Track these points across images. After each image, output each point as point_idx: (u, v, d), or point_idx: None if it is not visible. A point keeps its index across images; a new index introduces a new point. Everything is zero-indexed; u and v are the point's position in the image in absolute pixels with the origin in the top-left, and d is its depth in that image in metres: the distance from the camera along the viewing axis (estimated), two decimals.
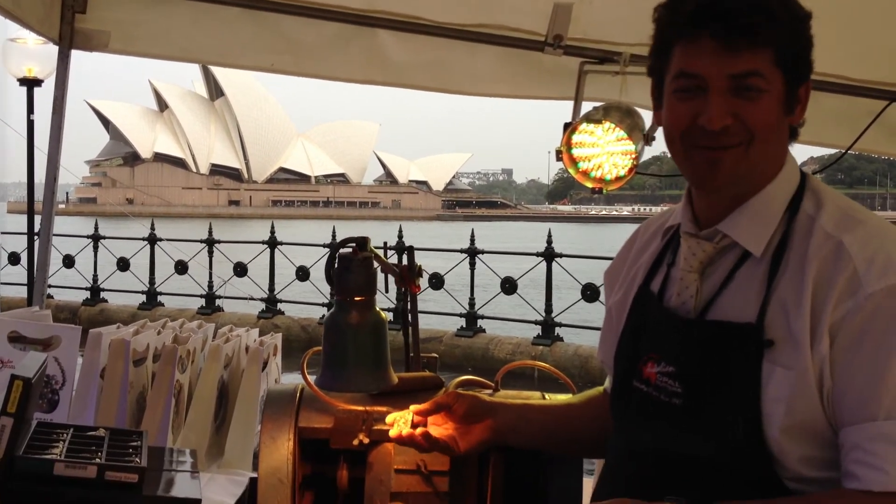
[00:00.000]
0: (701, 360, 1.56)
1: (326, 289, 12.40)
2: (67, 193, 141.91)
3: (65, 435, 1.98)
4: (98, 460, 1.86)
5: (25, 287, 10.50)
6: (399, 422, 1.84)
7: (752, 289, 1.54)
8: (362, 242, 1.90)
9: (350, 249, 1.90)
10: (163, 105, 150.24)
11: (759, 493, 1.47)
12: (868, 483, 1.39)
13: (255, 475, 2.08)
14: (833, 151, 3.89)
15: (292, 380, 2.16)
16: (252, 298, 13.36)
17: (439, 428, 1.84)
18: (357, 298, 1.88)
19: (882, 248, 1.47)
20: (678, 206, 1.74)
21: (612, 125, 3.14)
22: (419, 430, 1.80)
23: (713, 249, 1.61)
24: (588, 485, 2.16)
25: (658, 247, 1.77)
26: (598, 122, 3.16)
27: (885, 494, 1.38)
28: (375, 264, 1.94)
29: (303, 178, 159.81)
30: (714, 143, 1.53)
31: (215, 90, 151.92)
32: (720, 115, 1.51)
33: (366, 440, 1.96)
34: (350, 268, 1.88)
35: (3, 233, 8.63)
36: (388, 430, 1.87)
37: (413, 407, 1.87)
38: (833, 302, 1.44)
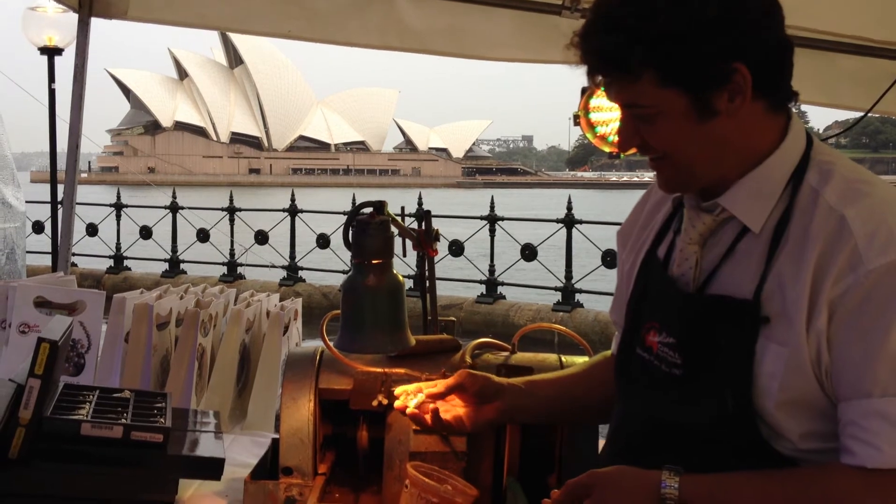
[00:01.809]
0: (699, 333, 1.55)
1: (347, 256, 12.23)
2: (90, 162, 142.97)
3: (91, 396, 2.03)
4: (124, 421, 1.91)
5: (50, 255, 10.59)
6: (408, 398, 1.85)
7: (752, 264, 1.52)
8: (379, 206, 1.92)
9: (367, 213, 1.93)
10: (182, 73, 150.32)
11: (756, 465, 1.48)
12: (863, 459, 1.39)
13: (276, 436, 2.12)
14: (856, 115, 3.86)
15: (313, 345, 2.19)
16: (273, 266, 13.43)
17: (447, 405, 1.85)
18: (374, 261, 1.91)
19: (884, 223, 1.43)
20: None
21: None
22: (428, 410, 1.81)
23: (713, 222, 1.59)
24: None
25: (668, 211, 1.75)
26: None
27: (879, 471, 1.38)
28: (393, 228, 1.96)
29: (322, 146, 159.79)
30: (644, 155, 1.59)
31: (234, 58, 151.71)
32: (626, 138, 1.58)
33: (385, 401, 1.99)
34: (367, 231, 1.90)
35: (27, 202, 8.70)
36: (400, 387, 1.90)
37: (425, 388, 1.86)
38: (833, 277, 1.42)
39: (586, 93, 3.29)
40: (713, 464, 1.49)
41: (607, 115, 3.29)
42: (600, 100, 3.27)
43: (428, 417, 1.81)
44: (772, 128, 1.56)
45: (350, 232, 1.93)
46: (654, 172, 1.62)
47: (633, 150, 3.31)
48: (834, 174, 1.52)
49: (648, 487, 1.46)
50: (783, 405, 1.46)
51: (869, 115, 3.46)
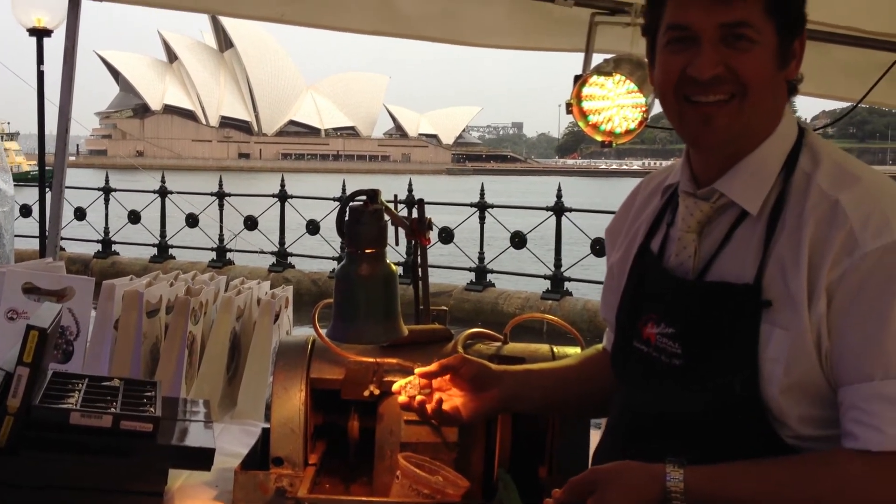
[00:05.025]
0: (700, 321, 1.55)
1: (336, 242, 12.44)
2: (78, 145, 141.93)
3: (80, 385, 2.01)
4: (113, 410, 1.89)
5: (37, 239, 10.51)
6: (406, 388, 1.86)
7: (751, 248, 1.52)
8: (373, 195, 1.90)
9: (361, 202, 1.91)
10: (172, 56, 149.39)
11: (758, 452, 1.48)
12: (865, 443, 1.40)
13: (267, 425, 2.10)
14: (844, 105, 3.87)
15: (303, 333, 2.18)
16: (262, 252, 13.41)
17: (444, 394, 1.85)
18: (368, 251, 1.89)
19: (878, 207, 1.44)
20: (678, 163, 1.71)
21: (623, 77, 3.12)
22: (429, 405, 1.82)
23: (710, 209, 1.59)
24: (595, 437, 2.18)
25: (658, 205, 1.75)
26: (609, 74, 3.14)
27: (883, 454, 1.39)
28: (386, 217, 1.94)
29: (312, 130, 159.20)
30: (706, 95, 1.50)
31: (224, 41, 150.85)
32: (710, 64, 1.49)
33: (376, 391, 1.99)
34: (361, 220, 1.88)
35: (15, 184, 8.63)
36: (397, 381, 1.90)
37: (418, 370, 1.88)
38: (830, 261, 1.43)
39: (579, 81, 3.27)
40: (714, 453, 1.48)
41: (600, 103, 3.27)
42: (593, 88, 3.25)
43: (429, 407, 1.81)
44: (781, 108, 1.58)
45: (343, 220, 1.91)
46: (704, 120, 1.52)
47: (627, 139, 3.29)
48: (824, 159, 1.54)
49: (652, 481, 1.46)
50: (786, 390, 1.46)
51: (857, 105, 3.46)
